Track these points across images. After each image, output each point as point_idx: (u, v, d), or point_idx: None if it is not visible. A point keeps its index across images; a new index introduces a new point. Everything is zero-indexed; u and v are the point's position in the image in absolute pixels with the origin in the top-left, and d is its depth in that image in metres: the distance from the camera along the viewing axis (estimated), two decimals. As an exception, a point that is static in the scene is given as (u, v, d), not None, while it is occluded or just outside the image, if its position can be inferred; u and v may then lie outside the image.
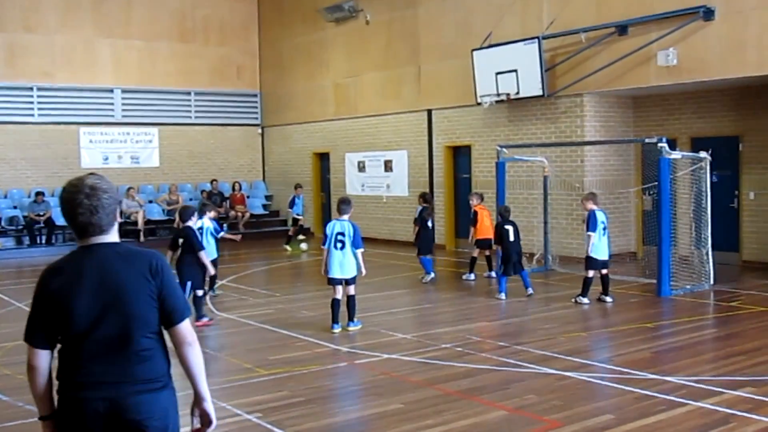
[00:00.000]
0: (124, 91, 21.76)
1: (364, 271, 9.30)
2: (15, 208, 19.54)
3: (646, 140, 11.81)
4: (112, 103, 21.70)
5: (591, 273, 10.66)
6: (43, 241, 19.08)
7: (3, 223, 19.00)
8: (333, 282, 9.17)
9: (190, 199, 21.63)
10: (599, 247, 10.66)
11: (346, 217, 9.26)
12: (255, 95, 23.85)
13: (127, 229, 19.85)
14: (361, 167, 20.07)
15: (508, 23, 15.61)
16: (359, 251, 9.13)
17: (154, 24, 22.04)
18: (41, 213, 18.93)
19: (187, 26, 22.59)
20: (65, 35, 20.81)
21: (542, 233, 14.28)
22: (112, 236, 3.04)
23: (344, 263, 9.10)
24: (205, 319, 9.66)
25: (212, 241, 11.23)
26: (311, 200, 21.88)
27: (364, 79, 19.78)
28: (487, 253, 12.96)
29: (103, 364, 2.93)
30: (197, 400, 3.18)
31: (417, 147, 18.35)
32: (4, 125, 20.08)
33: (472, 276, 12.91)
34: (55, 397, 3.02)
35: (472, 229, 13.03)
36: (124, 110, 21.82)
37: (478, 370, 7.32)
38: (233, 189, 22.04)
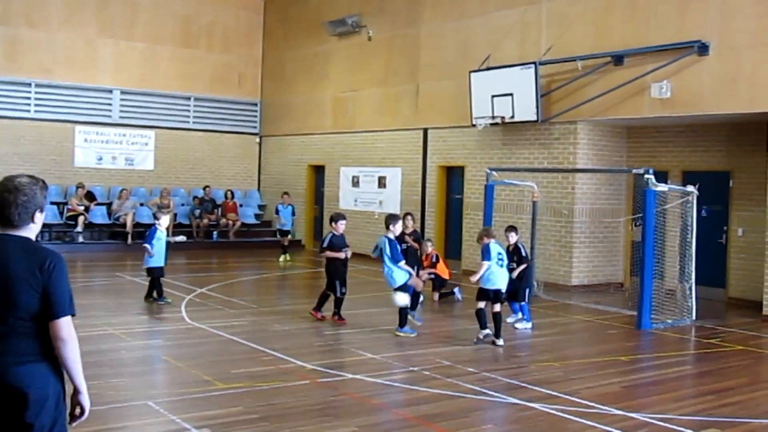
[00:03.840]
0: (123, 92, 21.74)
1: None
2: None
3: (633, 171, 11.71)
4: (110, 104, 21.67)
5: (482, 304, 9.63)
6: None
7: None
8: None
9: (182, 205, 21.58)
10: (493, 277, 9.61)
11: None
12: (255, 104, 23.84)
13: (116, 231, 19.81)
14: (355, 182, 19.99)
15: (507, 47, 15.57)
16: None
17: (157, 27, 22.04)
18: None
19: (191, 31, 22.60)
20: (68, 33, 20.80)
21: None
22: (24, 232, 3.44)
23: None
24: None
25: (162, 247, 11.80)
26: (303, 212, 21.79)
27: (363, 95, 19.75)
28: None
29: None
30: (74, 392, 3.46)
31: (411, 165, 18.28)
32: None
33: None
34: None
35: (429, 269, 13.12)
36: (122, 111, 21.77)
37: (441, 395, 7.17)
38: (226, 197, 21.95)
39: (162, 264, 11.79)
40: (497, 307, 9.55)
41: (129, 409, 6.57)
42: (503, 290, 9.68)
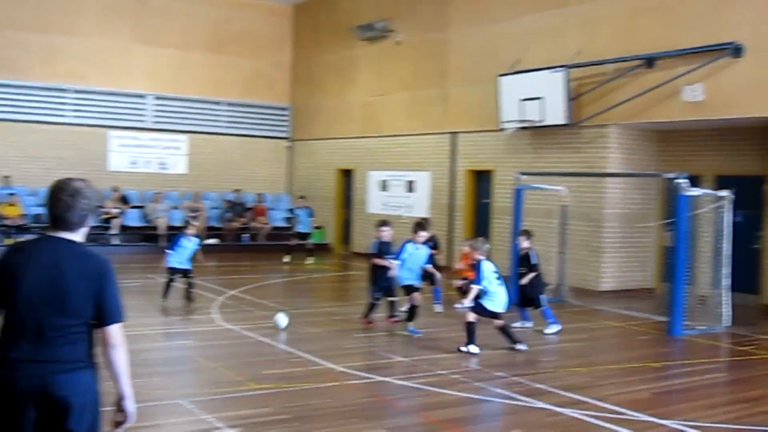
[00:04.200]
0: (156, 98, 22.08)
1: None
2: (41, 206, 19.79)
3: (665, 175, 11.61)
4: (144, 109, 22.01)
5: (473, 317, 9.25)
6: (67, 240, 19.33)
7: (28, 220, 19.21)
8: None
9: (214, 208, 21.84)
10: (494, 298, 9.31)
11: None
12: (285, 109, 24.02)
13: (149, 233, 20.10)
14: (384, 186, 20.05)
15: (536, 50, 15.54)
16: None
17: (189, 34, 22.34)
18: None
19: (222, 37, 22.86)
20: (103, 40, 21.18)
21: (558, 264, 14.07)
22: (76, 236, 3.43)
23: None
24: None
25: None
26: (333, 216, 21.91)
27: (392, 99, 19.82)
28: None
29: (31, 343, 3.26)
30: (120, 397, 3.47)
31: (439, 169, 18.29)
32: (37, 124, 20.46)
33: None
34: None
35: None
36: (155, 116, 22.12)
37: (469, 399, 7.20)
38: (256, 200, 22.15)
39: (177, 266, 12.13)
40: (498, 323, 9.36)
41: (162, 407, 6.70)
42: (501, 312, 9.37)
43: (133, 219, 20.31)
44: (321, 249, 21.12)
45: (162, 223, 19.94)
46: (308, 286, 15.99)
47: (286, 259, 18.22)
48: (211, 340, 9.60)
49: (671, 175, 11.21)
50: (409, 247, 10.31)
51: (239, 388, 7.30)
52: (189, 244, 12.24)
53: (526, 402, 7.14)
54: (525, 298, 10.94)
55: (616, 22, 14.20)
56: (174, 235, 12.63)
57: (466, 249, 12.83)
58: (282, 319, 10.28)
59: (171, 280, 12.08)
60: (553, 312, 10.97)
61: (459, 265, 13.02)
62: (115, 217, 19.73)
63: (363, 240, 20.52)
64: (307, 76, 23.23)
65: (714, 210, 11.80)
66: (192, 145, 22.54)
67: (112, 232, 19.68)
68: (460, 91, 17.65)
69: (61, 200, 3.36)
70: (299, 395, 7.16)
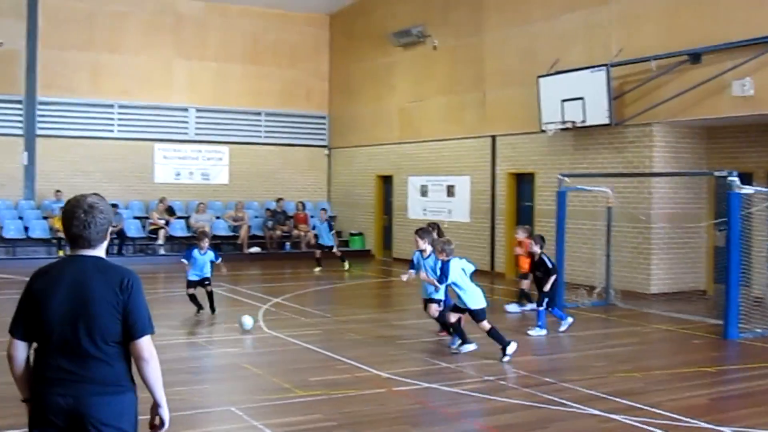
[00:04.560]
0: (198, 110, 22.41)
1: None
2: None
3: (715, 173, 11.29)
4: (186, 122, 22.36)
5: (454, 317, 9.17)
6: (115, 252, 19.61)
7: None
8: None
9: (256, 217, 22.01)
10: (465, 296, 9.03)
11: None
12: (323, 117, 24.11)
13: (194, 243, 20.23)
14: (424, 191, 19.95)
15: (575, 50, 15.31)
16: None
17: (228, 46, 22.63)
18: (114, 224, 19.47)
19: (259, 49, 23.08)
20: (145, 56, 21.63)
21: (604, 266, 13.80)
22: (98, 251, 3.38)
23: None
24: None
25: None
26: (373, 222, 21.89)
27: (429, 104, 19.73)
28: (526, 286, 12.62)
29: (67, 364, 3.23)
30: (154, 406, 3.46)
31: (480, 173, 18.13)
32: (85, 140, 20.94)
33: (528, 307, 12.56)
34: None
35: (523, 258, 12.68)
36: (197, 128, 22.44)
37: (518, 406, 7.04)
38: (297, 208, 22.25)
39: (194, 278, 11.81)
40: (484, 325, 8.98)
41: (213, 414, 6.75)
42: (480, 308, 9.02)
43: (178, 229, 20.59)
44: (361, 255, 21.15)
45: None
46: (350, 293, 15.95)
47: (317, 270, 18.06)
48: (257, 348, 9.61)
49: (721, 173, 10.89)
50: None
51: (287, 395, 7.27)
52: (202, 257, 11.76)
53: (577, 408, 6.96)
54: (551, 301, 10.75)
55: (659, 18, 13.91)
56: (191, 246, 12.20)
57: (521, 236, 12.71)
58: (247, 321, 10.37)
59: (192, 294, 11.76)
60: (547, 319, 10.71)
61: (517, 250, 12.83)
62: (161, 228, 20.00)
63: (403, 246, 20.44)
64: (345, 83, 23.28)
65: (767, 208, 11.44)
66: (233, 156, 22.78)
67: (159, 242, 20.00)
68: (499, 94, 17.48)
69: (78, 218, 3.31)
70: (346, 402, 7.10)
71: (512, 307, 12.63)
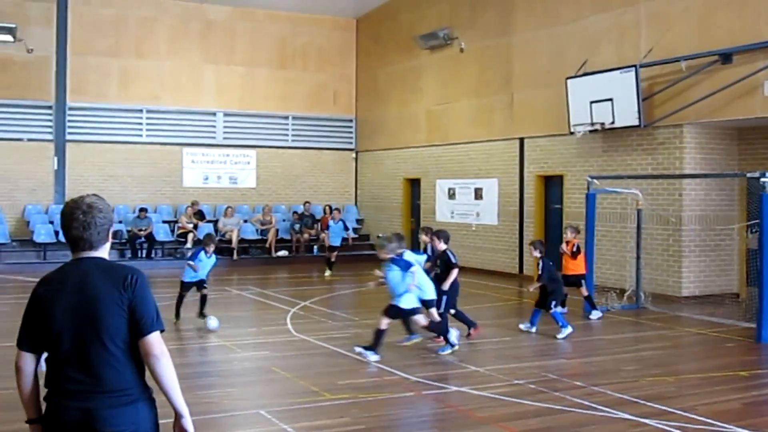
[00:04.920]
0: (225, 115, 22.56)
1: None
2: (120, 222, 20.32)
3: (748, 175, 11.13)
4: (214, 126, 22.51)
5: (385, 324, 9.04)
6: (144, 255, 19.84)
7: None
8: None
9: (283, 220, 22.10)
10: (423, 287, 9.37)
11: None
12: (350, 120, 24.17)
13: (222, 247, 20.45)
14: (451, 194, 19.92)
15: (604, 51, 15.19)
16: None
17: (255, 51, 22.76)
18: (143, 228, 19.69)
19: (286, 53, 23.19)
20: (173, 61, 21.84)
21: (634, 269, 13.66)
22: (100, 253, 3.26)
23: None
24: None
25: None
26: (401, 226, 21.87)
27: (457, 107, 19.70)
28: (585, 292, 12.37)
29: (78, 372, 3.11)
30: (175, 417, 3.25)
31: (508, 175, 18.05)
32: (115, 144, 21.18)
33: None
34: (44, 403, 3.22)
35: (569, 261, 12.39)
36: (225, 132, 22.58)
37: (548, 410, 6.99)
38: (324, 212, 22.30)
39: (190, 280, 11.44)
40: (434, 314, 9.41)
41: (242, 417, 6.79)
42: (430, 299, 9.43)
43: (205, 233, 20.66)
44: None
45: (234, 236, 20.27)
46: (378, 296, 15.83)
47: (327, 274, 17.77)
48: (285, 351, 9.64)
49: (754, 174, 10.74)
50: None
51: (315, 398, 7.29)
52: (207, 260, 11.42)
53: (608, 412, 6.90)
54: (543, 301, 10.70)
55: (689, 17, 13.75)
56: (199, 248, 11.62)
57: (570, 235, 12.51)
58: (213, 322, 10.55)
59: (182, 297, 11.40)
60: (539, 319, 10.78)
61: (565, 249, 12.53)
62: (190, 232, 20.17)
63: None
64: (372, 87, 23.33)
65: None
66: (260, 159, 22.91)
67: (188, 246, 20.11)
68: (527, 96, 17.40)
69: (77, 220, 3.18)
70: (375, 405, 7.11)
71: (595, 314, 12.23)
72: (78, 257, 3.24)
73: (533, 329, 10.84)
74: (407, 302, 9.04)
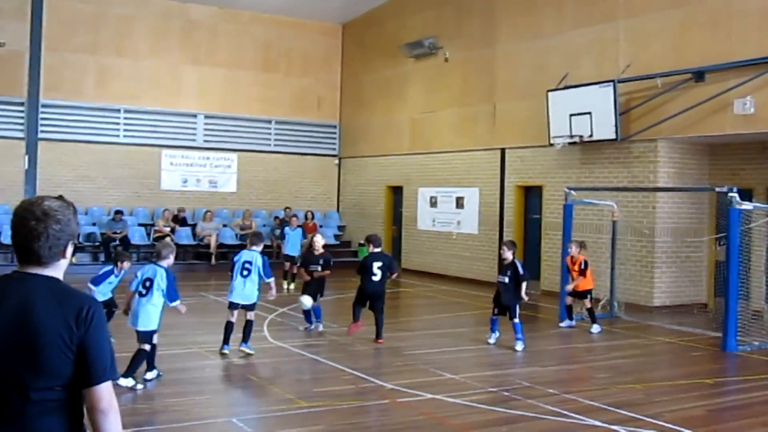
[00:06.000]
0: (207, 117, 22.37)
1: (275, 293, 9.95)
2: (94, 225, 20.06)
3: (717, 189, 11.45)
4: (194, 128, 22.29)
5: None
6: (118, 258, 19.70)
7: (81, 239, 19.35)
8: (232, 306, 9.65)
9: (263, 225, 22.10)
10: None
11: (256, 248, 9.98)
12: (334, 126, 24.24)
13: (200, 252, 20.49)
14: (433, 202, 20.13)
15: (584, 65, 15.50)
16: (271, 280, 9.77)
17: (238, 53, 22.65)
18: (118, 231, 19.35)
19: (270, 57, 23.16)
20: (153, 60, 21.54)
21: (609, 279, 13.94)
22: (53, 271, 2.63)
23: (246, 291, 9.67)
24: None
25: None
26: (382, 233, 22.00)
27: (440, 116, 19.93)
28: (588, 304, 12.33)
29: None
30: None
31: (489, 185, 18.30)
32: (90, 144, 20.70)
33: (574, 322, 12.45)
34: None
35: (579, 278, 12.20)
36: (206, 135, 22.40)
37: (521, 417, 7.20)
38: (306, 218, 22.30)
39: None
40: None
41: (213, 426, 6.84)
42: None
43: (184, 237, 20.59)
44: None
45: (212, 241, 20.28)
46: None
47: (290, 286, 16.50)
48: (262, 358, 9.70)
49: (722, 189, 11.06)
50: None
51: (290, 405, 7.40)
52: (115, 280, 9.86)
53: (579, 419, 7.11)
54: (502, 306, 10.62)
55: (666, 36, 14.09)
56: (108, 270, 9.84)
57: (575, 251, 12.26)
58: (306, 300, 11.00)
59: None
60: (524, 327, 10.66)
61: (571, 267, 12.37)
62: (167, 236, 20.07)
63: (413, 257, 20.62)
64: (356, 93, 23.49)
65: (767, 224, 11.59)
66: (242, 164, 22.81)
67: (165, 250, 20.00)
68: (509, 107, 17.67)
69: (26, 227, 2.57)
70: (350, 413, 7.25)
71: (595, 328, 12.09)
72: (23, 272, 2.61)
73: (495, 336, 10.75)
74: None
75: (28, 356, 2.47)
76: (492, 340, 10.76)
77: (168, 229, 20.23)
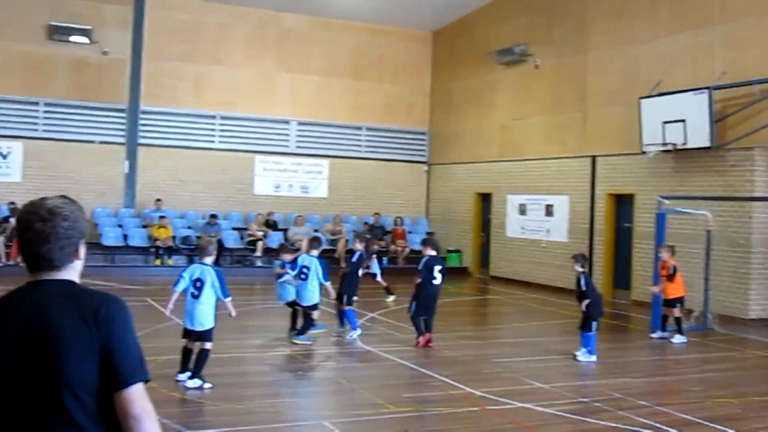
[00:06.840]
0: (299, 123, 22.88)
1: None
2: (189, 228, 20.82)
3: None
4: (287, 134, 22.84)
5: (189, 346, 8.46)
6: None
7: (177, 242, 20.10)
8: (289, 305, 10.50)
9: (353, 231, 22.48)
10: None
11: (315, 253, 10.35)
12: (424, 133, 24.38)
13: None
14: (522, 210, 20.05)
15: (678, 72, 15.18)
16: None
17: (331, 60, 23.04)
18: (213, 234, 19.83)
19: (362, 64, 23.47)
20: (249, 68, 22.17)
21: (702, 290, 13.60)
22: (67, 274, 2.46)
23: (305, 293, 10.40)
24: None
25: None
26: (471, 240, 22.06)
27: (530, 123, 19.85)
28: (677, 313, 12.03)
29: (22, 429, 2.33)
30: None
31: (579, 193, 18.11)
32: (187, 150, 21.48)
33: (666, 333, 12.18)
34: None
35: (666, 283, 12.02)
36: (298, 141, 22.91)
37: (613, 428, 7.18)
38: (395, 224, 22.60)
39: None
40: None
41: (306, 428, 7.11)
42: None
43: (276, 241, 21.01)
44: (459, 273, 21.06)
45: (304, 245, 20.69)
46: (446, 310, 16.07)
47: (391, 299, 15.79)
48: (352, 362, 9.96)
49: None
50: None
51: (380, 410, 7.54)
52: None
53: (670, 434, 7.06)
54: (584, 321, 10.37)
55: (763, 42, 13.67)
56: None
57: (665, 256, 12.13)
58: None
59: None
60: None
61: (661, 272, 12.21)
62: (259, 240, 20.69)
63: (501, 264, 20.60)
64: (446, 100, 23.62)
65: None
66: (332, 169, 23.20)
67: (257, 254, 20.60)
68: (600, 114, 17.47)
69: (33, 230, 2.39)
70: (438, 419, 7.39)
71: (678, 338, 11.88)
72: (35, 280, 2.44)
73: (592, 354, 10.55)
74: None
75: (51, 364, 2.30)
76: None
77: (261, 233, 20.80)
